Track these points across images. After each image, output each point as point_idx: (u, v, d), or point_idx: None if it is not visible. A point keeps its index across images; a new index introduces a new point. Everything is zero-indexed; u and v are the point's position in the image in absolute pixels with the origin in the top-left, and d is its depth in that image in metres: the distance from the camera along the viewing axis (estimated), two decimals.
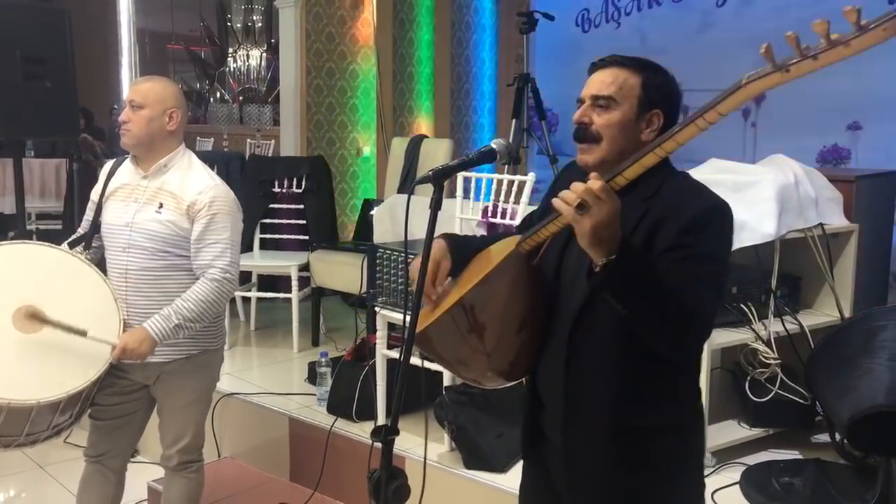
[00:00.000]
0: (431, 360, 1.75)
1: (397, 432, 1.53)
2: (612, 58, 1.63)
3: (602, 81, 1.58)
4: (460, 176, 3.50)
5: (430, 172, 1.58)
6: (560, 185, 1.65)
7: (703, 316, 1.45)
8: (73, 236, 2.68)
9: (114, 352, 2.35)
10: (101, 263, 2.54)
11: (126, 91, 10.45)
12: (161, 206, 2.46)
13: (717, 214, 1.51)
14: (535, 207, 2.13)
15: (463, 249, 1.75)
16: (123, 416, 2.63)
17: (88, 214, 2.64)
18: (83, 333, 2.31)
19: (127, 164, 2.58)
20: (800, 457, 3.00)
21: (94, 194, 2.62)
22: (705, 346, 2.77)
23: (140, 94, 2.49)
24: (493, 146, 1.63)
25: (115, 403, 2.58)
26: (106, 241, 2.54)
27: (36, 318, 2.31)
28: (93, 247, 2.61)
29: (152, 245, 2.45)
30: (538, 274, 1.65)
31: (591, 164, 1.58)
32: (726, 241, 1.54)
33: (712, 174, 3.04)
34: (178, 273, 2.50)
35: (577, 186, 1.34)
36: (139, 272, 2.46)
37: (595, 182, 1.33)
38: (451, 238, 1.75)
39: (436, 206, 1.57)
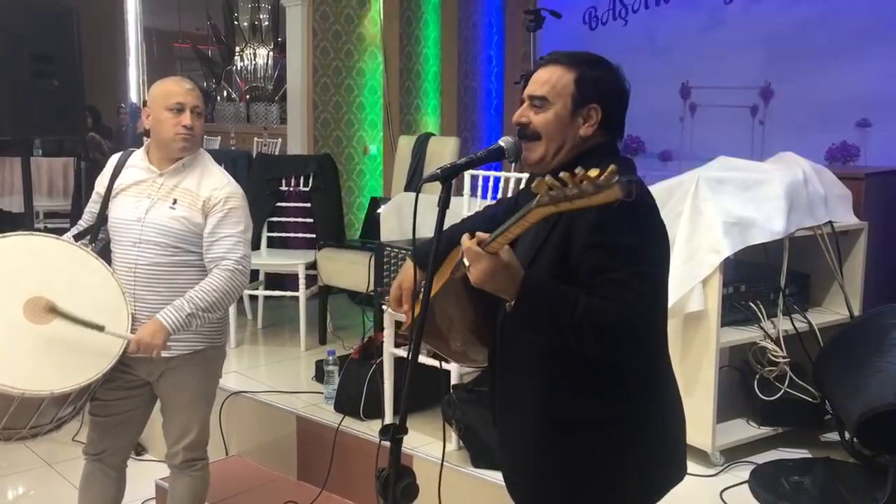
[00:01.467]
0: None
1: (406, 431, 1.53)
2: (550, 55, 1.66)
3: (537, 80, 1.63)
4: (467, 174, 3.50)
5: (439, 170, 1.58)
6: (526, 189, 1.76)
7: (632, 323, 1.44)
8: (75, 229, 2.67)
9: (129, 345, 2.35)
10: (103, 256, 2.54)
11: (133, 90, 10.51)
12: (175, 202, 2.48)
13: (629, 207, 1.33)
14: None
15: (426, 254, 1.80)
16: (125, 412, 2.63)
17: (93, 207, 2.64)
18: (101, 328, 2.32)
19: (137, 160, 2.58)
20: (809, 456, 2.99)
21: (100, 187, 2.61)
22: (713, 345, 2.80)
23: (199, 98, 2.52)
24: (502, 144, 1.63)
25: (118, 399, 2.58)
26: (114, 236, 2.54)
27: (53, 311, 2.31)
28: (98, 239, 2.61)
29: (164, 240, 2.47)
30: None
31: (532, 160, 1.64)
32: (643, 227, 1.51)
33: (721, 172, 3.02)
34: (187, 269, 2.51)
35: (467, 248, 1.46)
36: (149, 267, 2.47)
37: (466, 243, 1.46)
38: (416, 252, 1.84)
39: (444, 204, 1.57)
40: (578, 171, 1.24)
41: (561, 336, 1.46)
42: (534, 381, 1.62)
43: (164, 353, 2.46)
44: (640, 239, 1.49)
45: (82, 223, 2.67)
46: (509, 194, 3.34)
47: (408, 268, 1.83)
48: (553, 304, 1.45)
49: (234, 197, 2.53)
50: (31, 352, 2.28)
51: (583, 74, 1.61)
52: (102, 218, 2.58)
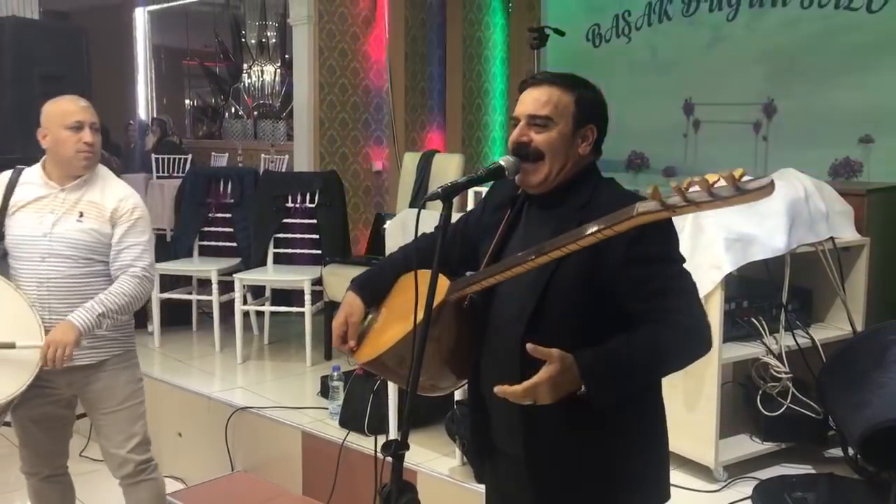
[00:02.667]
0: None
1: (407, 447, 1.54)
2: (543, 75, 1.69)
3: (537, 100, 1.63)
4: (471, 191, 3.52)
5: (440, 190, 1.60)
6: (491, 204, 1.79)
7: (700, 321, 1.55)
8: None
9: (41, 351, 2.38)
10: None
11: (142, 107, 10.59)
12: (81, 214, 2.54)
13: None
14: None
15: (375, 288, 1.85)
16: (52, 426, 2.68)
17: None
18: (12, 345, 2.38)
19: (33, 177, 2.60)
20: (812, 471, 2.99)
21: None
22: (716, 360, 2.81)
23: (95, 115, 2.58)
24: (502, 163, 1.65)
25: (42, 413, 2.61)
26: (15, 252, 2.56)
27: None
28: None
29: (74, 253, 2.52)
30: (467, 313, 1.72)
31: (534, 182, 1.65)
32: (673, 236, 1.61)
33: None
34: (98, 279, 2.57)
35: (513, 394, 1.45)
36: (60, 280, 2.52)
37: (511, 391, 1.45)
38: (360, 284, 1.85)
39: (445, 223, 1.60)
40: (726, 173, 1.23)
41: (646, 377, 1.56)
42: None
43: (87, 360, 2.52)
44: (674, 247, 1.60)
45: None
46: None
47: (353, 300, 1.81)
48: (617, 362, 1.49)
49: (139, 207, 2.61)
50: None
51: (582, 96, 1.65)
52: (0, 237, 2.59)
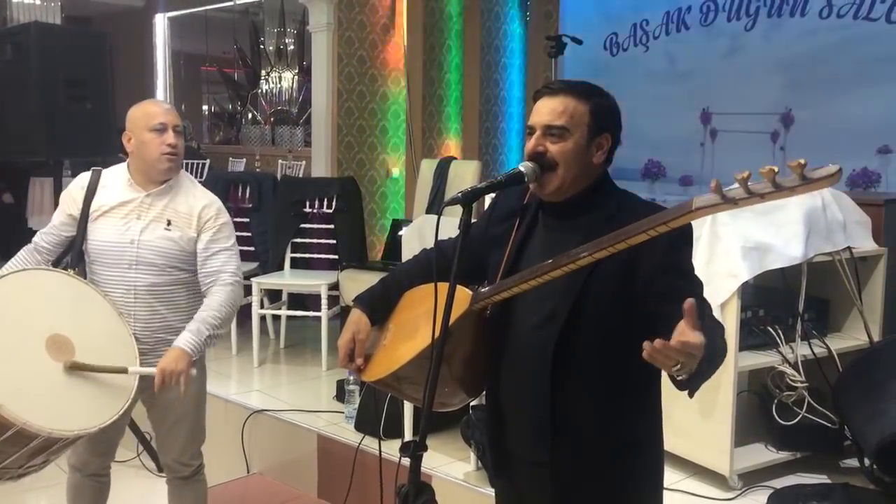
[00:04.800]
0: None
1: (425, 448, 1.56)
2: (558, 84, 1.68)
3: (553, 111, 1.63)
4: (488, 197, 3.54)
5: (460, 194, 1.61)
6: (497, 216, 1.79)
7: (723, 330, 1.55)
8: (27, 253, 2.63)
9: (156, 381, 2.36)
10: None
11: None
12: (169, 223, 2.52)
13: (687, 228, 1.56)
14: None
15: (381, 305, 1.84)
16: (116, 430, 2.67)
17: (64, 230, 2.60)
18: (123, 370, 2.35)
19: (116, 181, 2.56)
20: (828, 481, 2.98)
21: (71, 209, 2.57)
22: (731, 369, 2.81)
23: (179, 118, 2.57)
24: (521, 169, 1.66)
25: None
26: (101, 258, 2.53)
27: (76, 366, 2.29)
28: (63, 262, 2.60)
29: (162, 261, 2.51)
30: (484, 325, 1.71)
31: (547, 191, 1.65)
32: (692, 246, 1.66)
33: None
34: (183, 287, 2.57)
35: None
36: (148, 288, 2.51)
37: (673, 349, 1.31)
38: (365, 301, 1.83)
39: (465, 228, 1.61)
40: (793, 162, 1.19)
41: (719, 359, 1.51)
42: (596, 403, 1.64)
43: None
44: (691, 254, 1.64)
45: (45, 245, 2.63)
46: None
47: (359, 318, 1.80)
48: (717, 348, 1.47)
49: (223, 213, 2.60)
50: (49, 389, 2.26)
51: (597, 105, 1.65)
52: (81, 240, 2.55)
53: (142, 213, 2.52)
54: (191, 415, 2.67)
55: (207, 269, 2.53)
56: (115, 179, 2.57)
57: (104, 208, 2.53)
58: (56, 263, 2.61)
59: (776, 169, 1.19)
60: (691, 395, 1.46)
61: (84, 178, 2.60)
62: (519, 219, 1.75)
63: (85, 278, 2.53)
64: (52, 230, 2.63)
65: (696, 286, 1.58)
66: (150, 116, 2.51)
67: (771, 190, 1.20)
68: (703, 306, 1.49)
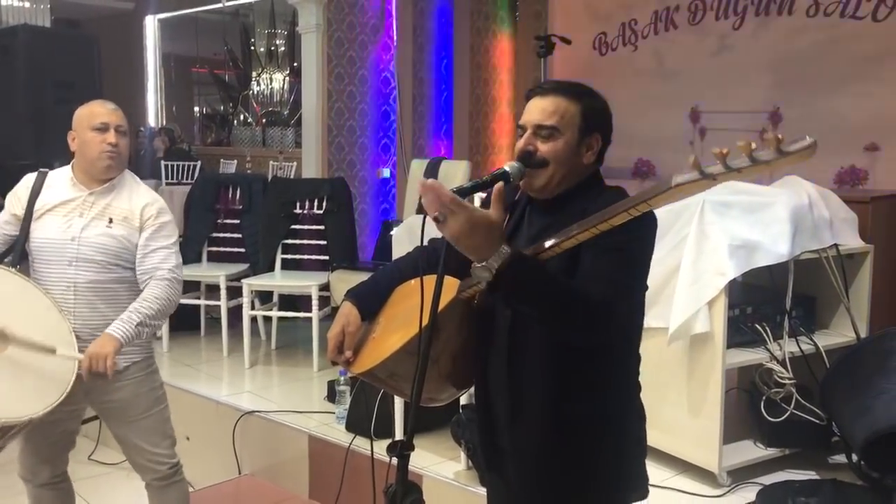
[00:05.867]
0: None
1: (413, 447, 1.57)
2: (550, 84, 1.70)
3: (544, 110, 1.65)
4: (477, 197, 3.54)
5: None
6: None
7: (609, 308, 1.49)
8: None
9: (82, 364, 2.37)
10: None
11: (152, 114, 10.67)
12: (111, 221, 2.55)
13: (640, 220, 1.45)
14: None
15: (372, 298, 1.84)
16: (61, 435, 2.68)
17: (7, 228, 2.61)
18: (52, 350, 2.35)
19: (61, 180, 2.60)
20: (816, 477, 3.00)
21: (15, 208, 2.59)
22: (720, 366, 2.83)
23: (123, 118, 2.60)
24: (507, 169, 1.66)
25: (51, 421, 2.54)
26: (41, 255, 2.55)
27: (4, 337, 2.30)
28: (6, 260, 2.60)
29: (102, 258, 2.53)
30: (476, 312, 1.73)
31: (536, 186, 1.67)
32: (644, 242, 1.59)
33: (727, 195, 3.07)
34: (124, 285, 2.58)
35: (431, 199, 1.40)
36: (87, 284, 2.52)
37: (445, 195, 1.40)
38: (356, 294, 1.83)
39: None
40: (770, 136, 1.19)
41: (539, 308, 1.49)
42: (552, 383, 1.64)
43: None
44: (638, 248, 1.58)
45: None
46: None
47: (350, 310, 1.81)
48: (535, 273, 1.45)
49: (164, 212, 2.63)
50: None
51: (588, 105, 1.67)
52: (24, 239, 2.57)
53: (84, 210, 2.55)
54: (150, 411, 2.66)
55: (145, 266, 2.57)
56: (60, 179, 2.62)
57: (47, 206, 2.57)
58: None
59: (753, 144, 1.19)
60: (507, 303, 1.50)
61: (30, 178, 2.64)
62: (509, 214, 1.76)
63: (28, 276, 2.55)
64: (1, 227, 2.65)
65: (614, 261, 1.51)
66: (93, 116, 2.56)
67: (748, 164, 1.21)
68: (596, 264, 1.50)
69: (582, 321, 1.49)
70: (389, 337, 1.73)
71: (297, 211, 4.98)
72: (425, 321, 1.55)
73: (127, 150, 2.62)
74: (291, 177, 7.41)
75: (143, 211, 2.58)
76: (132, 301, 2.54)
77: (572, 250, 1.52)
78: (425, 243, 1.73)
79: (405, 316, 1.73)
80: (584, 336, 1.53)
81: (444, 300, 1.60)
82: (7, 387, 2.29)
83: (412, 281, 1.81)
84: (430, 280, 1.60)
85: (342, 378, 3.67)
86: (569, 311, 1.49)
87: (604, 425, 1.67)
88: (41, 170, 2.66)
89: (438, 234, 1.71)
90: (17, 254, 2.58)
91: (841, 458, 3.06)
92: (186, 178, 7.94)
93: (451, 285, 1.66)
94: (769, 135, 1.18)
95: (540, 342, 1.63)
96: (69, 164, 2.64)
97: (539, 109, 1.66)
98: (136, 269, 2.58)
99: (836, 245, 3.18)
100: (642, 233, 1.57)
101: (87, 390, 2.53)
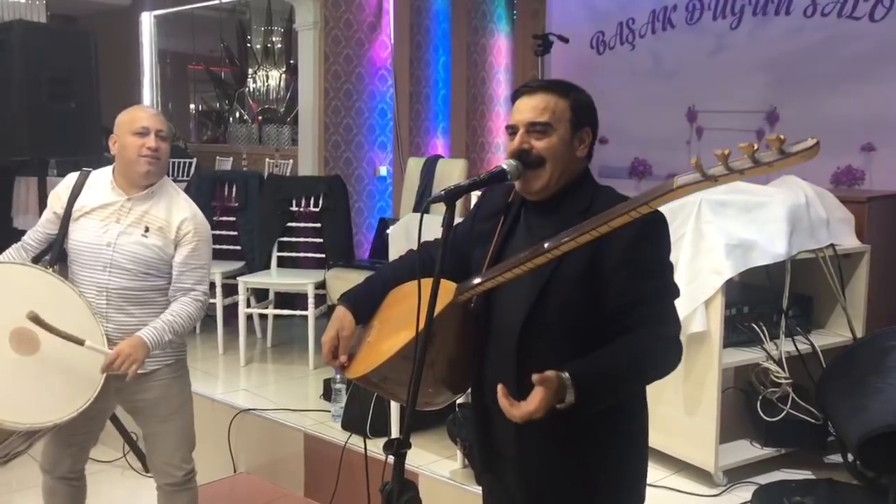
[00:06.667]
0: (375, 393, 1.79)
1: (409, 445, 1.56)
2: (537, 83, 1.72)
3: (535, 108, 1.66)
4: (474, 195, 3.54)
5: (443, 192, 1.62)
6: (483, 214, 1.81)
7: (673, 335, 1.59)
8: (16, 251, 2.65)
9: (109, 357, 2.37)
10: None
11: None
12: (147, 229, 2.53)
13: (658, 224, 1.61)
14: None
15: (366, 302, 1.84)
16: (86, 432, 2.68)
17: (48, 227, 2.62)
18: (81, 342, 2.35)
19: (101, 183, 2.59)
20: (812, 477, 3.00)
21: (56, 207, 2.60)
22: (716, 366, 2.83)
23: (164, 123, 2.58)
24: (504, 167, 1.66)
25: (83, 422, 2.55)
26: (78, 258, 2.55)
27: (35, 321, 2.30)
28: (44, 259, 2.61)
29: (135, 267, 2.52)
30: (473, 316, 1.73)
31: (535, 189, 1.67)
32: (667, 244, 1.65)
33: (723, 194, 3.06)
34: (156, 293, 2.58)
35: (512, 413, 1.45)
36: (120, 291, 2.52)
37: (515, 412, 1.44)
38: (351, 298, 1.84)
39: (448, 225, 1.61)
40: (772, 136, 1.20)
41: (622, 390, 1.58)
42: None
43: (142, 369, 2.49)
44: (666, 255, 1.63)
45: (31, 243, 2.64)
46: None
47: (344, 314, 1.81)
48: (609, 380, 1.52)
49: (200, 228, 2.61)
50: (16, 382, 2.28)
51: (576, 99, 1.68)
52: (62, 238, 2.57)
53: (121, 216, 2.54)
54: (177, 415, 2.67)
55: (180, 283, 2.57)
56: (100, 181, 2.60)
57: (86, 209, 2.56)
58: (36, 261, 2.61)
59: (755, 145, 1.20)
60: (581, 414, 1.48)
61: (72, 178, 2.63)
62: (503, 216, 1.76)
63: (66, 277, 2.54)
64: (38, 227, 2.66)
65: (656, 283, 1.59)
66: (134, 120, 2.54)
67: (750, 165, 1.22)
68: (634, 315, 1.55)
69: (659, 366, 1.57)
70: (384, 341, 1.72)
71: (294, 209, 4.97)
72: (422, 325, 1.54)
73: (167, 156, 2.60)
74: (287, 174, 7.41)
75: (182, 226, 2.55)
76: (165, 306, 2.56)
77: (589, 258, 1.56)
78: (425, 240, 1.73)
79: (400, 319, 1.72)
80: (670, 369, 1.59)
81: (441, 304, 1.60)
82: (35, 392, 2.30)
83: (407, 284, 1.81)
84: (427, 282, 1.59)
85: (338, 376, 3.66)
86: (646, 371, 1.56)
87: (612, 437, 1.66)
88: (84, 169, 2.65)
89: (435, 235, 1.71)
90: (56, 253, 2.59)
91: (837, 458, 3.06)
92: (182, 176, 7.93)
93: (447, 289, 1.65)
94: (771, 135, 1.18)
95: (551, 350, 1.61)
96: (66, 161, 2.64)
97: (530, 108, 1.67)
98: (172, 283, 2.57)
99: (832, 245, 3.19)
100: (664, 238, 1.63)
101: (118, 389, 2.54)
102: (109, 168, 2.62)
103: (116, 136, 2.55)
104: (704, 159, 1.32)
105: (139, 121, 2.53)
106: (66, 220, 2.56)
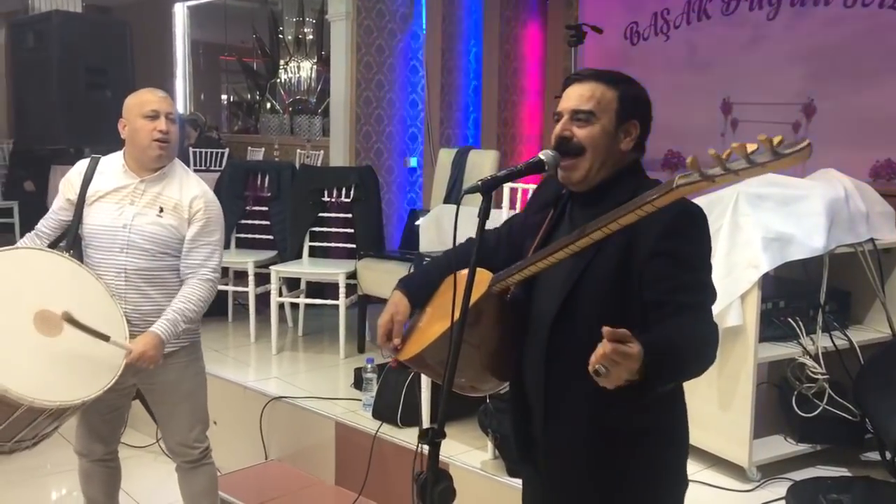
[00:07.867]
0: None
1: (444, 435, 1.56)
2: (587, 72, 1.70)
3: (581, 96, 1.65)
4: (506, 187, 3.53)
5: (480, 182, 1.61)
6: (536, 205, 1.82)
7: (713, 329, 1.54)
8: (32, 238, 2.68)
9: (130, 356, 2.44)
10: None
11: (180, 101, 10.73)
12: (162, 210, 2.58)
13: (693, 218, 1.59)
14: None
15: (422, 288, 1.86)
16: (112, 412, 2.74)
17: (62, 214, 2.66)
18: (106, 338, 2.41)
19: (112, 167, 2.63)
20: (848, 474, 2.96)
21: (69, 194, 2.64)
22: (751, 360, 2.80)
23: (172, 106, 2.62)
24: (542, 157, 1.65)
25: (103, 398, 2.58)
26: (94, 241, 2.60)
27: (67, 320, 2.37)
28: (59, 245, 2.66)
29: (152, 247, 2.57)
30: (509, 308, 1.73)
31: (575, 179, 1.65)
32: (706, 241, 1.61)
33: (761, 188, 3.02)
34: (174, 273, 2.63)
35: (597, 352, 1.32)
36: (138, 272, 2.57)
37: (606, 346, 1.31)
38: (406, 284, 1.87)
39: (484, 215, 1.61)
40: (763, 137, 1.22)
41: (680, 374, 1.52)
42: (589, 392, 1.55)
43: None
44: (703, 251, 1.59)
45: (45, 230, 2.68)
46: None
47: (400, 299, 1.83)
48: (673, 357, 1.45)
49: (211, 205, 2.65)
50: (42, 363, 2.33)
51: (625, 91, 1.66)
52: (77, 224, 2.62)
53: (135, 198, 2.59)
54: (190, 395, 2.73)
55: (190, 260, 2.61)
56: (112, 166, 2.65)
57: (99, 193, 2.60)
58: (52, 247, 2.66)
59: (749, 147, 1.24)
60: (642, 396, 1.40)
61: (83, 164, 2.68)
62: (553, 208, 1.76)
63: (81, 261, 2.59)
64: (51, 215, 2.70)
65: (696, 275, 1.55)
66: (144, 104, 2.58)
67: (745, 166, 1.25)
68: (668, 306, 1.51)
69: (710, 351, 1.53)
70: (433, 326, 1.76)
71: (325, 199, 4.99)
72: (457, 315, 1.55)
73: (177, 138, 2.65)
74: (319, 165, 7.43)
75: (193, 203, 2.61)
76: (179, 287, 2.61)
77: (623, 251, 1.55)
78: (458, 232, 1.72)
79: (447, 307, 1.73)
80: (709, 362, 1.54)
81: (477, 294, 1.61)
82: (61, 371, 2.36)
83: (462, 272, 1.81)
84: (463, 274, 1.61)
85: (369, 366, 3.68)
86: (702, 353, 1.51)
87: (650, 436, 1.64)
88: (93, 156, 2.70)
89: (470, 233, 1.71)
90: (71, 238, 2.63)
91: (874, 456, 3.01)
92: (214, 166, 7.98)
93: (483, 279, 1.66)
94: (762, 136, 1.21)
95: (582, 340, 1.54)
96: (102, 148, 2.68)
97: (576, 95, 1.66)
98: (181, 259, 2.62)
99: (872, 239, 3.13)
100: (701, 234, 1.60)
101: (135, 370, 2.59)
102: (119, 153, 2.67)
103: (126, 120, 2.59)
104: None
105: (149, 104, 2.57)
106: (80, 205, 2.62)
